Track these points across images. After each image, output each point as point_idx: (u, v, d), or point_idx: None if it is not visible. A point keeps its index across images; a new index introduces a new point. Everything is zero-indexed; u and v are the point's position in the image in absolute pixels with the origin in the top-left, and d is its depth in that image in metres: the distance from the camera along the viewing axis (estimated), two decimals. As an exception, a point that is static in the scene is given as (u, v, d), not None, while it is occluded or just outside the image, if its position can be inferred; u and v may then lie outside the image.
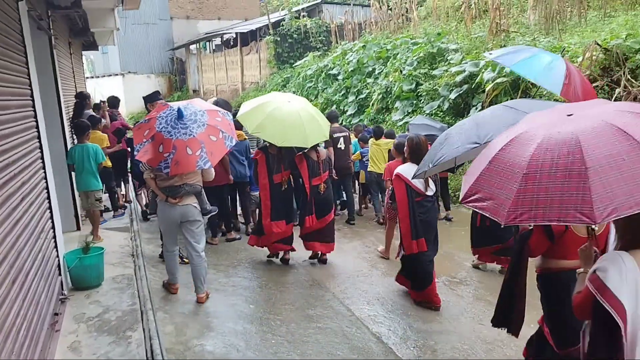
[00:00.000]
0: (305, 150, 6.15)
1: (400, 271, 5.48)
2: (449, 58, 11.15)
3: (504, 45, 9.66)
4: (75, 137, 6.94)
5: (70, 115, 7.87)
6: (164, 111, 4.70)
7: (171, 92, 27.92)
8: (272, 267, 6.36)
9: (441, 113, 10.31)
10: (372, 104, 12.58)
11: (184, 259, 6.21)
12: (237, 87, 23.11)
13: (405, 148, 5.38)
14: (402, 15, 16.85)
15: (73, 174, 6.63)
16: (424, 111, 10.65)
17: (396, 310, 5.14)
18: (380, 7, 17.64)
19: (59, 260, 4.68)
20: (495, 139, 2.59)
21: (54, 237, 4.62)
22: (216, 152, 4.63)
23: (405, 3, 16.80)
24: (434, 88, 10.79)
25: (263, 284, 5.87)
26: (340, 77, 15.02)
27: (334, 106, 14.10)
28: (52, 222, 4.61)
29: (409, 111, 11.23)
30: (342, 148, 7.95)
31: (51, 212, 4.60)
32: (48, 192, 4.58)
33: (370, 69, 14.07)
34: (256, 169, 6.27)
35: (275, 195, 6.19)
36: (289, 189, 6.36)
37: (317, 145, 6.17)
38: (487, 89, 8.84)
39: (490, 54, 6.01)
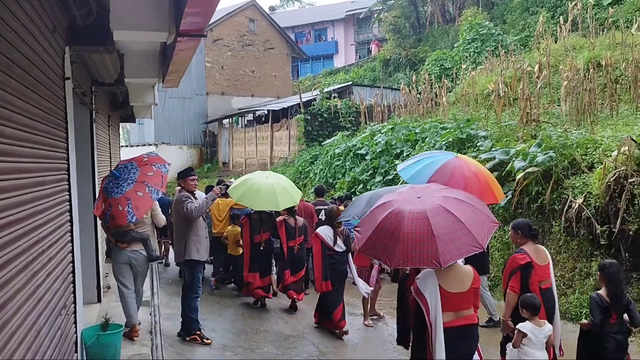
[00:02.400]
0: (286, 218, 7.70)
1: (316, 308, 7.17)
2: (478, 144, 11.16)
3: (535, 135, 9.66)
4: None
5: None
6: (109, 176, 5.71)
7: (202, 164, 28.52)
8: (290, 353, 6.13)
9: (470, 199, 10.19)
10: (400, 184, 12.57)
11: (205, 340, 6.08)
12: (265, 162, 23.50)
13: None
14: (431, 100, 17.15)
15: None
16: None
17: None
18: (410, 91, 18.03)
19: (76, 337, 4.58)
20: (375, 210, 4.18)
21: (75, 312, 4.54)
22: (142, 206, 5.45)
23: (434, 88, 17.16)
24: (463, 173, 10.73)
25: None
26: (368, 157, 15.13)
27: (361, 185, 14.12)
28: (74, 296, 4.55)
29: (437, 195, 11.14)
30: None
31: (74, 286, 4.55)
32: (74, 266, 4.55)
33: (398, 150, 14.15)
34: (241, 231, 8.03)
35: (254, 252, 7.75)
36: (266, 249, 7.85)
37: (295, 213, 7.82)
38: (517, 178, 8.74)
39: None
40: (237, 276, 8.84)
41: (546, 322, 4.60)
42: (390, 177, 13.51)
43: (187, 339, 6.09)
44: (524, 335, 4.43)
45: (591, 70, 11.03)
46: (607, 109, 10.53)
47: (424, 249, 3.63)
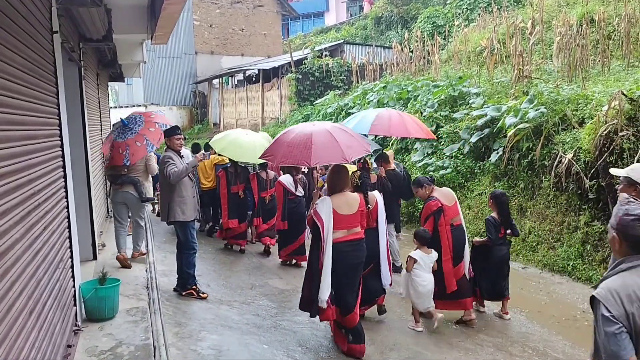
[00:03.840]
0: (258, 171, 8.77)
1: (279, 247, 8.24)
2: (470, 102, 11.15)
3: (527, 92, 9.65)
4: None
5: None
6: (117, 123, 7.03)
7: (192, 125, 28.31)
8: (285, 305, 6.26)
9: (461, 156, 10.27)
10: (392, 144, 12.58)
11: (200, 294, 6.20)
12: (257, 122, 23.36)
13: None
14: (424, 58, 16.99)
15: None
16: (444, 153, 10.61)
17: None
18: (402, 49, 17.83)
19: (75, 291, 4.65)
20: (280, 137, 5.50)
21: (72, 266, 4.60)
22: (136, 154, 6.69)
23: (427, 46, 16.98)
24: (455, 131, 10.77)
25: (277, 324, 5.77)
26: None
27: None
28: (71, 251, 4.60)
29: (429, 152, 11.20)
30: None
31: (70, 241, 4.60)
32: (69, 222, 4.58)
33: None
34: (219, 183, 8.95)
35: (232, 201, 8.70)
36: (244, 198, 8.78)
37: (266, 167, 8.72)
38: (508, 134, 8.79)
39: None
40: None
41: (433, 250, 5.71)
42: (382, 135, 13.52)
43: (184, 293, 6.19)
44: (415, 260, 5.61)
45: (584, 25, 10.95)
46: (599, 65, 10.51)
47: (303, 153, 4.95)
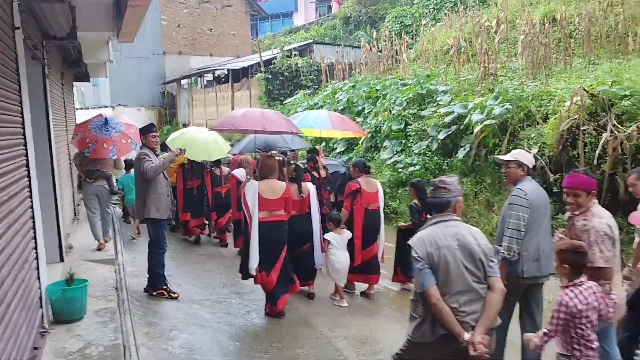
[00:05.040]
0: (212, 168, 9.20)
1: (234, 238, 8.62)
2: (437, 99, 11.31)
3: (493, 89, 9.84)
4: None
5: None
6: (98, 118, 7.76)
7: (161, 126, 27.91)
8: (259, 304, 6.25)
9: (430, 153, 10.40)
10: (361, 142, 12.67)
11: (171, 294, 6.14)
12: (226, 123, 23.19)
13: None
14: (392, 57, 17.15)
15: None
16: (413, 150, 10.73)
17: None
18: (371, 48, 17.96)
19: (41, 292, 4.55)
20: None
21: (37, 267, 4.51)
22: (123, 150, 7.66)
23: (395, 45, 17.15)
24: (423, 128, 10.91)
25: (249, 321, 5.76)
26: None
27: (323, 143, 14.17)
28: (36, 252, 4.50)
29: (398, 150, 11.32)
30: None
31: (36, 242, 4.50)
32: (34, 222, 4.49)
33: (359, 108, 14.22)
34: (176, 178, 9.11)
35: (187, 196, 9.13)
36: (199, 194, 9.23)
37: (220, 164, 9.22)
38: (475, 131, 8.95)
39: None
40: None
41: (345, 230, 6.41)
42: (352, 134, 13.59)
43: (154, 293, 6.12)
44: (329, 242, 6.33)
45: (546, 24, 11.22)
46: (561, 63, 10.78)
47: (259, 120, 6.67)
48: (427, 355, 3.13)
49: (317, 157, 7.88)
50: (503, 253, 4.11)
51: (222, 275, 7.47)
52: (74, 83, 13.35)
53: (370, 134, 12.55)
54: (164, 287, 6.17)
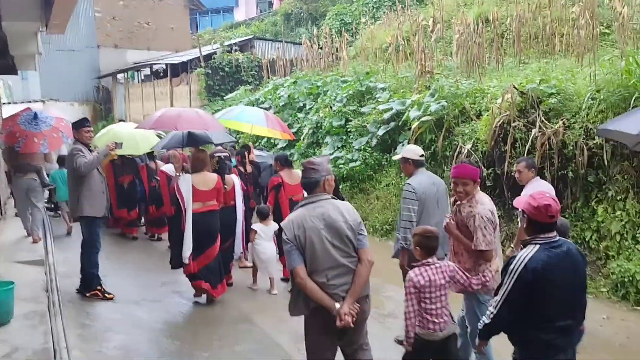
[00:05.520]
0: (148, 162, 9.29)
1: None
2: (377, 96, 11.49)
3: (429, 86, 10.10)
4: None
5: None
6: (27, 112, 7.65)
7: (96, 121, 26.87)
8: (198, 301, 6.16)
9: (369, 149, 10.56)
10: (303, 138, 12.69)
11: (106, 295, 5.96)
12: (165, 119, 22.65)
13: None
14: (332, 54, 17.27)
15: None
16: (353, 147, 10.87)
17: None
18: (312, 45, 18.01)
19: (-38, 296, 4.31)
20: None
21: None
22: (54, 144, 7.67)
23: (336, 43, 17.27)
24: (363, 125, 11.06)
25: (188, 319, 5.67)
26: (271, 112, 15.09)
27: (265, 139, 14.10)
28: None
29: (339, 146, 11.42)
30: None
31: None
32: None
33: (301, 104, 14.24)
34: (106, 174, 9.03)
35: (119, 192, 9.09)
36: (131, 188, 9.27)
37: (154, 157, 9.39)
38: (412, 127, 9.16)
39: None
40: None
41: (272, 222, 6.60)
42: (294, 130, 13.60)
43: (88, 294, 5.92)
44: (256, 232, 6.58)
45: (480, 25, 11.61)
46: (494, 62, 11.18)
47: (201, 120, 6.71)
48: (314, 327, 3.38)
49: (245, 153, 8.16)
50: (401, 243, 4.59)
51: (160, 274, 7.28)
52: (0, 76, 12.65)
53: (311, 130, 12.61)
54: (98, 287, 5.98)
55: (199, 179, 6.00)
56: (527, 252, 2.96)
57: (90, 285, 5.96)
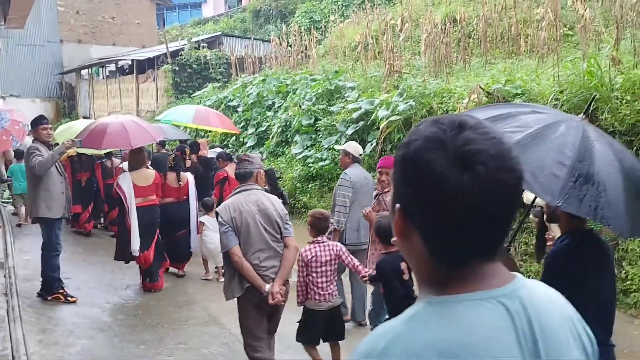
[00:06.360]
0: (103, 160, 9.29)
1: None
2: (346, 95, 11.51)
3: (398, 86, 10.16)
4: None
5: None
6: None
7: (59, 118, 26.19)
8: (164, 303, 6.06)
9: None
10: (272, 137, 12.62)
11: (69, 298, 5.80)
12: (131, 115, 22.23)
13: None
14: (302, 52, 17.22)
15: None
16: (322, 145, 10.86)
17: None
18: (280, 43, 17.91)
19: None
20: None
21: None
22: (2, 146, 7.87)
23: (305, 40, 17.22)
24: (332, 123, 11.06)
25: (155, 323, 5.56)
26: (240, 109, 14.96)
27: (234, 137, 13.97)
28: None
29: (308, 145, 11.39)
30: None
31: None
32: None
33: (270, 102, 14.15)
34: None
35: (76, 188, 8.82)
36: (87, 186, 9.38)
37: (112, 156, 9.30)
38: (381, 126, 9.20)
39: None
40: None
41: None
42: (263, 128, 13.53)
43: (49, 298, 5.74)
44: (203, 224, 6.89)
45: (447, 25, 11.74)
46: (461, 62, 11.33)
47: (121, 137, 6.39)
48: (249, 306, 3.69)
49: (185, 149, 8.84)
50: (334, 225, 5.04)
51: (125, 276, 7.14)
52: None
53: (280, 129, 12.56)
54: (60, 290, 5.81)
55: (138, 175, 6.41)
56: None
57: (51, 289, 5.79)
